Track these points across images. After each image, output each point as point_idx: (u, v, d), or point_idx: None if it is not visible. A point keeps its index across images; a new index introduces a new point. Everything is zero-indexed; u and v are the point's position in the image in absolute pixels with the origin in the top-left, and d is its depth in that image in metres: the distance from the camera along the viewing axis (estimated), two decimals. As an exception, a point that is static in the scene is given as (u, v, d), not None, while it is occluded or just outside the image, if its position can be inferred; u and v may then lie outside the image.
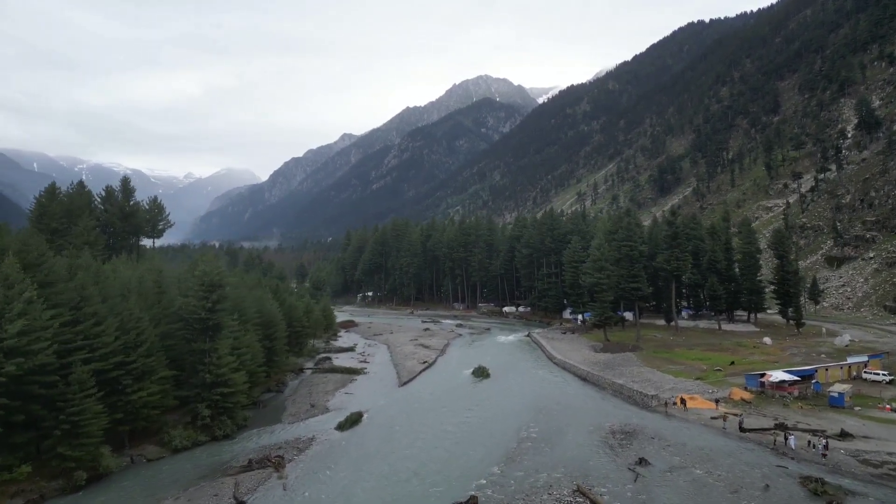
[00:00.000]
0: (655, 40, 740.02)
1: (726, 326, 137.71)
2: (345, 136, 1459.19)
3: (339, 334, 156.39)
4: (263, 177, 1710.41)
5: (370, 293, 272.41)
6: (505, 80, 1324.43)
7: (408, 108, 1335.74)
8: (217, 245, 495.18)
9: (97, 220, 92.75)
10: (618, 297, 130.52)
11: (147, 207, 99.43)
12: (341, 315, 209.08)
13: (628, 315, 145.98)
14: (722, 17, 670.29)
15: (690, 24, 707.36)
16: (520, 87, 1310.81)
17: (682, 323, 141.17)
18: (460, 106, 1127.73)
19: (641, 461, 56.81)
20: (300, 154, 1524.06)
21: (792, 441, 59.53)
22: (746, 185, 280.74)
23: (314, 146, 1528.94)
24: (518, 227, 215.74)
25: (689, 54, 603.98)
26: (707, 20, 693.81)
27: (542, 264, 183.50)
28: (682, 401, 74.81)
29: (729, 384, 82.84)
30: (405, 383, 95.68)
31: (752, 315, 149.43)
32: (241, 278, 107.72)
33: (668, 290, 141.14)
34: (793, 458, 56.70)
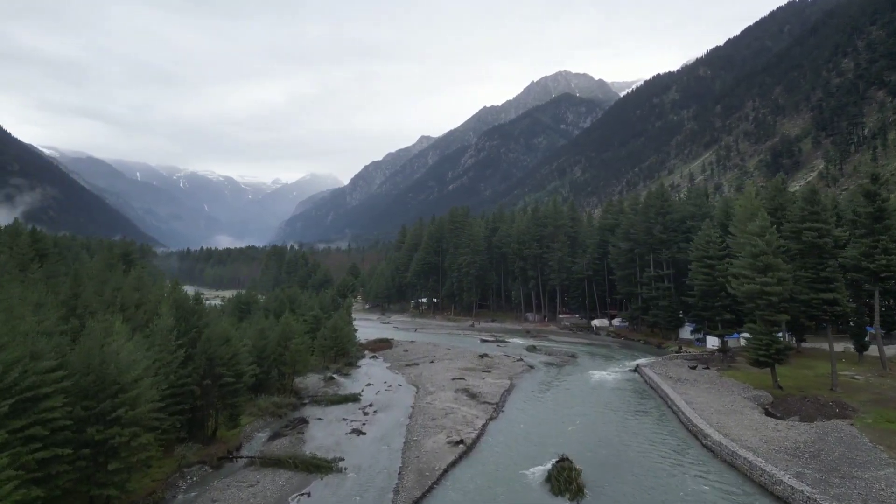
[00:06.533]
0: (749, 24, 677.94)
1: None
2: (422, 139, 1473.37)
3: (359, 363, 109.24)
4: (345, 181, 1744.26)
5: (423, 300, 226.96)
6: (585, 75, 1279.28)
7: (485, 107, 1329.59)
8: (290, 246, 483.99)
9: None
10: (797, 315, 78.51)
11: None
12: (383, 330, 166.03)
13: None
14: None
15: (791, 3, 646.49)
16: (601, 81, 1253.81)
17: (873, 351, 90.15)
18: (538, 103, 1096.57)
19: None
20: (380, 158, 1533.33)
21: None
22: (895, 164, 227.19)
23: (393, 150, 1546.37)
24: (612, 213, 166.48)
25: (790, 34, 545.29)
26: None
27: (649, 262, 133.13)
28: None
29: None
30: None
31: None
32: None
33: (857, 299, 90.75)
34: None
